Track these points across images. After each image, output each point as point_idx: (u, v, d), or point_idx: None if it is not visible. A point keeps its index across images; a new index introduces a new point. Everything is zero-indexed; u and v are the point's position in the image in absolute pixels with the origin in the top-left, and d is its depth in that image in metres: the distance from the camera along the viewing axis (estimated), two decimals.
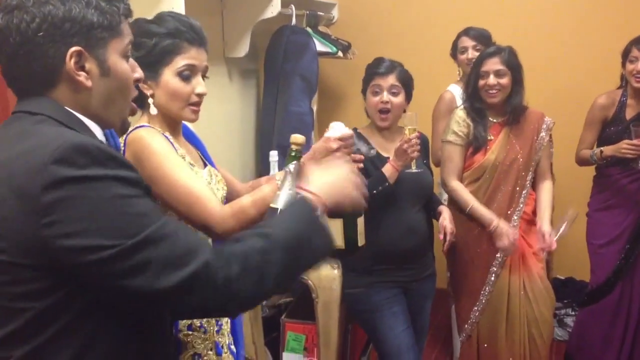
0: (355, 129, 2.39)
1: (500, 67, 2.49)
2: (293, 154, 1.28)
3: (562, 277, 3.78)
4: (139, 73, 1.07)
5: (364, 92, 2.36)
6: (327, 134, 1.45)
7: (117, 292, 0.90)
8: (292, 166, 1.24)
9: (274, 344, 2.82)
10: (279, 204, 1.15)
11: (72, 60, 0.95)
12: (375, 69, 2.31)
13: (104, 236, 0.86)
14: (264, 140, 3.37)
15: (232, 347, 1.66)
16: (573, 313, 3.50)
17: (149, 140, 1.39)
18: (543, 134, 2.59)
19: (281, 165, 2.55)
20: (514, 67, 2.52)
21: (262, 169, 3.39)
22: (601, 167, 2.93)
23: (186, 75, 1.47)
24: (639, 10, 3.51)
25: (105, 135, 1.04)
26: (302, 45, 3.32)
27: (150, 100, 1.48)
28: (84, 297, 0.91)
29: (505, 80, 2.50)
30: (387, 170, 2.19)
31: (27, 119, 0.97)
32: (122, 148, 1.45)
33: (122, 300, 0.92)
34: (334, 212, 1.12)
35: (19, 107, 1.00)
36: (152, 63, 1.44)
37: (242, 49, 3.20)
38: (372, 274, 2.30)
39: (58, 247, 0.86)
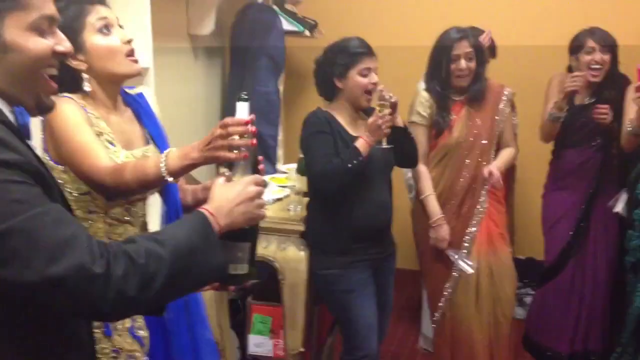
0: (319, 109, 2.36)
1: (469, 49, 2.51)
2: (247, 136, 1.23)
3: (523, 257, 3.86)
4: (63, 46, 1.00)
5: (341, 73, 2.24)
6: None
7: None
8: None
9: (240, 325, 2.81)
10: None
11: None
12: (357, 49, 2.23)
13: None
14: None
15: (140, 331, 1.59)
16: (532, 293, 3.58)
17: (61, 106, 1.40)
18: (502, 105, 2.63)
19: None
20: (479, 49, 2.55)
21: None
22: (557, 149, 2.98)
23: (105, 31, 1.47)
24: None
25: (13, 112, 0.98)
26: (269, 23, 3.27)
27: (85, 76, 1.47)
28: None
29: (473, 64, 2.53)
30: (361, 145, 2.18)
31: None
32: (43, 119, 1.46)
33: None
34: (229, 232, 1.11)
35: None
36: (71, 35, 1.40)
37: (208, 26, 3.13)
38: (349, 253, 2.30)
39: None
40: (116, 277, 0.89)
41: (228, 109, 3.40)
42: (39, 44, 0.96)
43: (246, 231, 1.17)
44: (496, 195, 2.66)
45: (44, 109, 1.03)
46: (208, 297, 2.23)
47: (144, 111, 1.67)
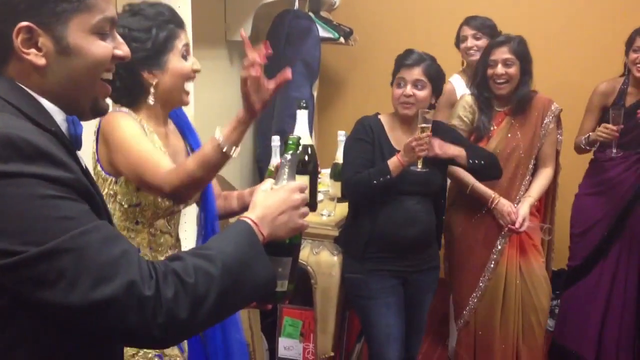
0: (376, 114, 2.38)
1: (508, 55, 2.49)
2: (291, 142, 1.18)
3: (555, 269, 3.81)
4: (123, 51, 0.98)
5: (391, 82, 2.31)
6: None
7: (33, 301, 0.81)
8: (288, 156, 1.16)
9: (270, 329, 2.83)
10: None
11: (20, 37, 0.88)
12: (402, 61, 2.28)
13: (11, 240, 0.78)
14: (262, 124, 3.36)
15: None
16: None
17: (119, 120, 1.47)
18: (547, 120, 2.59)
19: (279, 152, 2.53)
20: (523, 56, 2.50)
21: (259, 152, 3.39)
22: (598, 151, 2.92)
23: (185, 55, 1.56)
24: None
25: (67, 121, 0.95)
26: (305, 29, 3.30)
27: (152, 90, 1.53)
28: (3, 299, 0.83)
29: (513, 70, 2.49)
30: (393, 163, 2.18)
31: None
32: (97, 130, 1.51)
33: (40, 310, 0.83)
34: (269, 245, 1.04)
35: None
36: (158, 53, 1.51)
37: (245, 33, 3.17)
38: (369, 261, 2.31)
39: None
40: (166, 300, 0.84)
41: (261, 113, 3.43)
42: (101, 48, 0.95)
43: (288, 245, 1.11)
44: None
45: (99, 111, 1.01)
46: None
47: (185, 125, 1.74)
